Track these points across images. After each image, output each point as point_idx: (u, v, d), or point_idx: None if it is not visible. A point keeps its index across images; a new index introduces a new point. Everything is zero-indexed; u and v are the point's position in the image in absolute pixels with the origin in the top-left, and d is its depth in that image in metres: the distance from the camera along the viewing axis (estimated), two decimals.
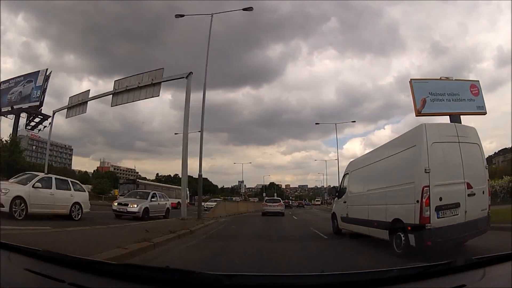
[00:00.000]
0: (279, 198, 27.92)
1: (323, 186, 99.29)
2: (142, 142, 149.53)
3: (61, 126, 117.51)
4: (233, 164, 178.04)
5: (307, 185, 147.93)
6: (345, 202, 9.27)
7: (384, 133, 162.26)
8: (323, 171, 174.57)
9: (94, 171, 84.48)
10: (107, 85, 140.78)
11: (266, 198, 28.13)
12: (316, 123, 40.46)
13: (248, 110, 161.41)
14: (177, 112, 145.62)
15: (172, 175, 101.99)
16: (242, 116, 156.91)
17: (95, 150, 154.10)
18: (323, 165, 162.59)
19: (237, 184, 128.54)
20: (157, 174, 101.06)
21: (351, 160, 10.51)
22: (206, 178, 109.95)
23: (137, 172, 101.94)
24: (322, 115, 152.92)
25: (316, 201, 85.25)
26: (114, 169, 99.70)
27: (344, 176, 10.10)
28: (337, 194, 10.35)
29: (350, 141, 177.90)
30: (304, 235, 10.41)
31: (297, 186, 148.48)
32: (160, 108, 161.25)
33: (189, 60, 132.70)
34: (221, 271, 1.47)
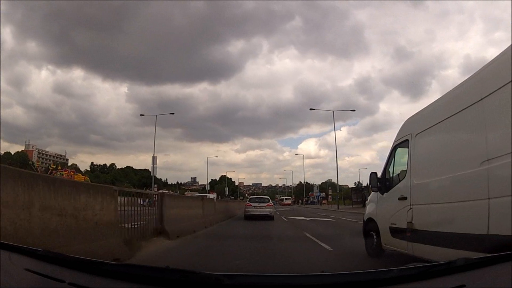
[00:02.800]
0: (268, 197, 20.54)
1: (291, 185, 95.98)
2: (97, 135, 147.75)
3: (19, 116, 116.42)
4: (187, 161, 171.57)
5: (261, 184, 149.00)
6: (402, 198, 4.87)
7: (340, 134, 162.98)
8: (276, 170, 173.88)
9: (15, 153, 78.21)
10: (66, 75, 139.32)
11: (251, 197, 22.15)
12: (311, 109, 39.13)
13: (204, 106, 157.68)
14: (133, 105, 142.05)
15: (107, 165, 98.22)
16: (198, 112, 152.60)
17: (51, 143, 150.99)
18: (277, 165, 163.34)
19: (189, 180, 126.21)
20: (92, 162, 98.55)
21: (412, 115, 5.30)
22: (148, 170, 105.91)
23: (67, 159, 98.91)
24: (278, 113, 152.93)
25: (286, 199, 74.66)
26: (39, 153, 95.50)
27: (394, 149, 5.54)
28: (378, 185, 5.71)
29: (305, 141, 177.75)
30: None
31: (251, 184, 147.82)
32: (115, 101, 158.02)
33: (148, 51, 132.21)
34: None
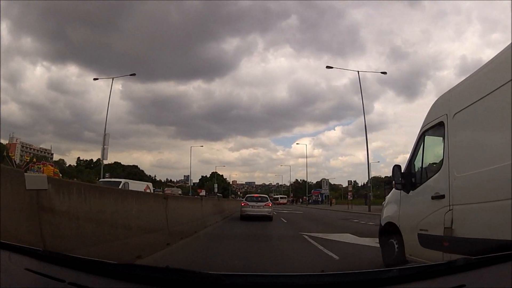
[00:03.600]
0: (266, 196, 18.98)
1: (286, 183, 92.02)
2: (91, 132, 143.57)
3: (14, 113, 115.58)
4: (180, 159, 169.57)
5: (254, 182, 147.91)
6: (437, 197, 3.87)
7: (335, 134, 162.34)
8: (269, 169, 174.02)
9: None
10: (60, 72, 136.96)
11: (247, 195, 20.71)
12: (327, 67, 31.88)
13: (198, 104, 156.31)
14: (127, 102, 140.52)
15: (94, 159, 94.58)
16: (191, 109, 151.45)
17: (46, 140, 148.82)
18: (271, 164, 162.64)
19: (182, 178, 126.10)
20: (78, 157, 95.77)
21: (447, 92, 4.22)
22: (136, 166, 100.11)
23: (52, 153, 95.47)
24: (273, 112, 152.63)
25: (281, 198, 69.89)
26: (23, 146, 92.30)
27: (421, 137, 4.58)
28: (402, 180, 4.71)
29: (298, 140, 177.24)
30: None
31: (244, 183, 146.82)
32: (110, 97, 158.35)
33: (143, 49, 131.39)
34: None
